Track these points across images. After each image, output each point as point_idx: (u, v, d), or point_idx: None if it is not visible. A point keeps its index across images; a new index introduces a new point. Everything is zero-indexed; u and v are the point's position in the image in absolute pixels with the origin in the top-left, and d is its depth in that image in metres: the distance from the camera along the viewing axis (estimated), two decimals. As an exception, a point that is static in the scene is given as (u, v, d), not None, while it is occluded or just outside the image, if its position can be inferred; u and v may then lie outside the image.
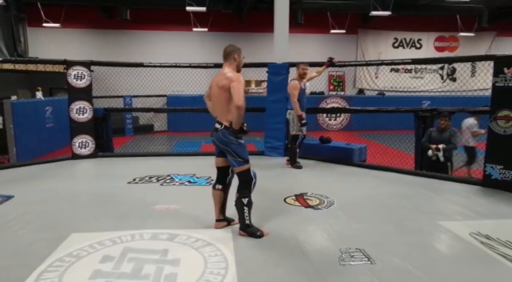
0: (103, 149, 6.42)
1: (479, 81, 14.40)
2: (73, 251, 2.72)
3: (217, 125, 3.01)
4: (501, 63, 4.25)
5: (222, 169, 3.16)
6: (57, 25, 12.42)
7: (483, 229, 3.11)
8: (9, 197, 4.01)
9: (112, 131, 7.03)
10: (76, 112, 6.07)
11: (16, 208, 3.68)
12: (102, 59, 7.88)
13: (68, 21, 12.80)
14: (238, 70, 3.07)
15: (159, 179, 4.83)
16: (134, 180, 4.78)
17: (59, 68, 8.70)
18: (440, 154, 5.12)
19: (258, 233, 3.00)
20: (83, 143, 6.11)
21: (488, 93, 4.49)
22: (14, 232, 3.12)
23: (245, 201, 2.99)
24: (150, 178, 4.88)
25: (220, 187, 3.16)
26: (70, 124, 6.11)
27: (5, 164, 6.79)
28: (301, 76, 5.51)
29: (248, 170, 3.01)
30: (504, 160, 4.28)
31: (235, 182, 3.14)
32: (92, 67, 6.38)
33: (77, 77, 6.06)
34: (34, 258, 2.61)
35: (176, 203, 3.83)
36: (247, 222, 3.01)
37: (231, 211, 3.22)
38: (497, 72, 4.28)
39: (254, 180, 3.03)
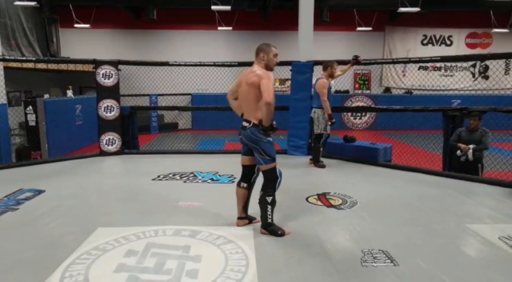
0: (129, 146, 6.58)
1: (512, 79, 13.77)
2: (100, 244, 2.81)
3: (245, 124, 3.00)
4: (537, 60, 4.06)
5: (248, 167, 3.15)
6: (87, 25, 12.82)
7: (515, 234, 2.98)
8: (40, 191, 4.18)
9: (138, 129, 7.20)
10: (104, 110, 6.25)
11: (47, 202, 3.83)
12: (129, 58, 8.07)
13: (98, 22, 13.18)
14: (269, 69, 3.03)
15: (183, 176, 4.91)
16: (158, 176, 4.88)
17: (89, 67, 9.00)
18: (470, 153, 4.94)
19: (280, 232, 2.99)
20: (110, 140, 6.28)
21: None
22: (45, 225, 3.25)
23: (269, 199, 2.97)
24: (174, 175, 4.96)
25: (245, 185, 3.16)
26: (98, 122, 6.29)
27: (38, 159, 7.08)
28: (331, 76, 5.47)
29: (275, 168, 2.99)
30: (539, 162, 4.08)
31: (259, 180, 3.14)
32: (120, 66, 6.55)
33: (105, 76, 6.23)
34: (63, 251, 2.72)
35: (199, 200, 3.88)
36: (269, 220, 3.00)
37: (252, 209, 3.22)
38: (533, 69, 4.08)
39: (279, 179, 3.02)
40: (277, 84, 14.22)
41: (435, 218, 3.43)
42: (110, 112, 6.28)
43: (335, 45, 13.83)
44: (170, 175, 4.95)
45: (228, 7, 11.19)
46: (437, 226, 3.23)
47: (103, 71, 6.22)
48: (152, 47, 13.90)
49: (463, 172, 4.99)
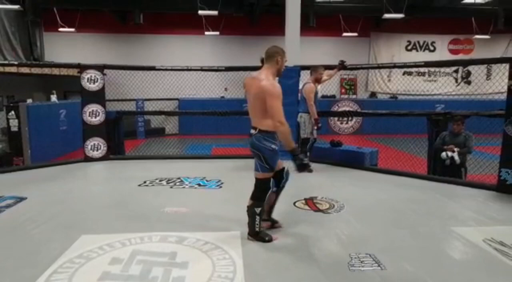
0: (114, 152, 6.49)
1: (494, 84, 14.11)
2: (84, 252, 2.75)
3: (252, 131, 2.93)
4: (516, 66, 4.16)
5: (276, 172, 3.03)
6: (72, 29, 12.66)
7: (497, 235, 3.03)
8: (22, 199, 4.07)
9: (124, 134, 7.12)
10: (89, 115, 6.15)
11: (29, 210, 3.73)
12: (115, 63, 7.99)
13: (83, 26, 13.04)
14: (279, 75, 2.96)
15: (169, 181, 4.86)
16: (145, 182, 4.81)
17: (73, 72, 8.84)
18: (456, 155, 5.02)
19: (267, 238, 2.97)
20: (95, 146, 6.18)
21: (504, 96, 4.39)
22: (26, 233, 3.17)
23: (257, 210, 2.92)
24: (160, 180, 4.90)
25: (274, 189, 3.06)
26: (83, 127, 6.19)
27: (20, 166, 6.92)
28: (318, 81, 5.51)
29: (269, 179, 2.94)
30: (520, 165, 4.17)
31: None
32: (105, 71, 6.47)
33: (90, 81, 6.15)
34: (45, 259, 2.65)
35: (186, 206, 3.84)
36: (257, 229, 2.96)
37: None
38: (513, 75, 4.19)
39: (270, 190, 2.98)
40: (264, 89, 14.26)
41: (421, 221, 3.47)
42: (95, 117, 6.19)
43: (322, 50, 13.96)
44: (157, 181, 4.89)
45: (215, 12, 11.20)
46: (423, 229, 3.26)
47: (88, 75, 6.14)
48: (139, 51, 13.80)
49: (447, 175, 5.07)
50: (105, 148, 6.25)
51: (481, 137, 5.87)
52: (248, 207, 2.98)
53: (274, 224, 3.22)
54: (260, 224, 2.97)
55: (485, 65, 14.64)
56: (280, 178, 3.08)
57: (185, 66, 6.86)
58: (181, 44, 14.12)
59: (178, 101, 13.46)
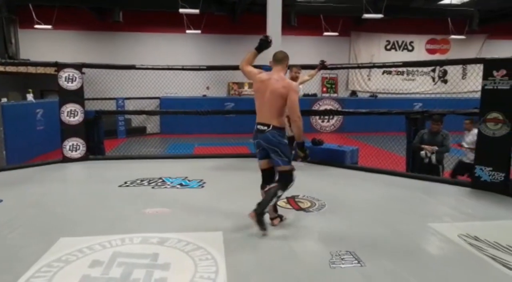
0: (94, 152, 6.37)
1: (469, 83, 14.56)
2: (62, 256, 2.69)
3: (263, 127, 3.11)
4: (490, 66, 4.31)
5: (267, 171, 3.26)
6: (49, 27, 12.32)
7: (472, 231, 3.14)
8: (-3, 201, 3.96)
9: (104, 134, 6.99)
10: (67, 115, 6.02)
11: (5, 212, 3.63)
12: (94, 61, 7.85)
13: (60, 23, 12.70)
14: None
15: (151, 182, 4.81)
16: (125, 183, 4.75)
17: (50, 70, 8.64)
18: (433, 156, 5.16)
19: (264, 227, 3.07)
20: (74, 146, 6.06)
21: (479, 95, 4.53)
22: (2, 236, 3.08)
23: (279, 192, 3.11)
24: (142, 181, 4.85)
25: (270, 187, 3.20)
26: (61, 127, 6.05)
27: (-5, 167, 6.71)
28: (293, 80, 5.52)
29: (292, 171, 3.15)
30: (493, 162, 4.33)
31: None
32: (84, 70, 6.34)
33: (68, 80, 6.01)
34: (22, 264, 2.58)
35: (167, 206, 3.82)
36: (266, 210, 3.08)
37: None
38: (487, 75, 4.33)
39: (293, 182, 3.18)
40: (246, 87, 14.28)
41: (400, 218, 3.55)
42: (74, 117, 6.06)
43: (303, 50, 14.05)
44: (138, 181, 4.83)
45: (196, 11, 11.11)
46: (401, 226, 3.34)
47: (66, 74, 6.00)
48: (118, 49, 13.55)
49: (425, 172, 5.20)
50: (84, 148, 6.13)
51: (457, 135, 6.05)
52: (270, 187, 3.11)
53: (282, 218, 3.40)
54: (268, 207, 3.09)
55: (461, 65, 15.11)
56: (272, 175, 3.28)
57: (166, 65, 6.79)
58: (162, 42, 13.95)
59: (159, 100, 13.30)
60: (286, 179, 3.14)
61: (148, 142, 10.33)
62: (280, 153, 3.10)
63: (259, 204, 3.08)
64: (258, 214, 3.03)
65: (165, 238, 3.00)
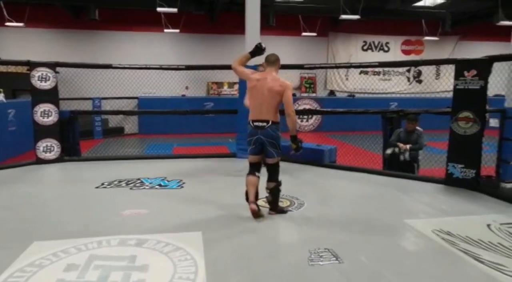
0: (69, 153, 6.21)
1: (442, 83, 15.04)
2: (36, 260, 2.62)
3: (262, 123, 3.41)
4: (461, 66, 4.45)
5: (256, 164, 3.60)
6: (21, 24, 11.93)
7: (445, 226, 3.24)
8: (-34, 205, 3.81)
9: (80, 135, 6.83)
10: (41, 115, 5.85)
11: (-26, 217, 3.50)
12: (69, 60, 7.63)
13: (33, 21, 12.32)
14: None
15: (129, 183, 4.73)
16: (102, 184, 4.66)
17: (22, 69, 8.38)
18: (407, 154, 5.30)
19: (286, 210, 3.64)
20: (48, 147, 5.89)
21: (451, 95, 4.68)
22: (-29, 242, 2.97)
23: (280, 187, 3.55)
24: (119, 182, 4.76)
25: (259, 174, 3.56)
26: (34, 127, 5.87)
27: (-36, 169, 6.44)
28: None
29: (279, 160, 3.54)
30: (464, 159, 4.48)
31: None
32: (59, 69, 6.17)
33: (42, 79, 5.84)
34: (-7, 269, 2.50)
35: (146, 207, 3.77)
36: (280, 204, 3.64)
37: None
38: (458, 75, 4.48)
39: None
40: (225, 87, 14.25)
41: (376, 215, 3.63)
42: (48, 117, 5.89)
43: (282, 50, 13.98)
44: (115, 182, 4.75)
45: (174, 10, 11.00)
46: (378, 222, 3.42)
47: (39, 73, 5.83)
48: (95, 48, 13.25)
49: (401, 170, 5.34)
50: (59, 149, 5.97)
51: (430, 133, 6.23)
52: (270, 189, 3.50)
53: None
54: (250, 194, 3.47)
55: (434, 66, 15.58)
56: (260, 166, 3.62)
57: (144, 64, 6.70)
58: (140, 41, 13.74)
59: (137, 100, 13.09)
60: (277, 169, 3.55)
61: (126, 142, 10.15)
62: (277, 146, 3.45)
63: (271, 203, 3.57)
64: (276, 210, 3.55)
65: (143, 239, 2.96)
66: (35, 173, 5.45)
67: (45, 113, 5.87)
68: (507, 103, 6.62)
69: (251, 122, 3.46)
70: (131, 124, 13.13)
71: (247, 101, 3.73)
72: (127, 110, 11.85)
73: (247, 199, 3.50)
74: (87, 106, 12.06)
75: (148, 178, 4.92)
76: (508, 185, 6.44)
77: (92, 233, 3.09)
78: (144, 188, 4.52)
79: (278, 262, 2.66)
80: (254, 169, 3.56)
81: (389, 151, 5.39)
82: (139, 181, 4.80)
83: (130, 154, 8.38)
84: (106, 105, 12.31)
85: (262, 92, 3.41)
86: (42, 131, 5.87)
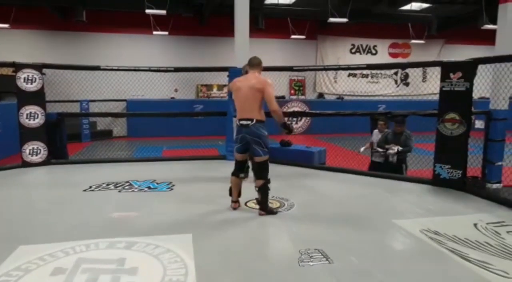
0: (56, 156, 6.13)
1: (429, 86, 15.29)
2: (22, 264, 2.57)
3: (246, 122, 3.49)
4: (447, 69, 4.53)
5: (242, 162, 3.72)
6: (6, 25, 11.74)
7: (433, 226, 3.28)
8: (-51, 209, 3.72)
9: (67, 137, 6.74)
10: (27, 118, 5.76)
11: (-42, 221, 3.42)
12: (56, 62, 7.54)
13: (19, 22, 12.13)
14: None
15: (117, 185, 4.68)
16: (90, 187, 4.60)
17: (8, 71, 8.24)
18: (394, 157, 5.37)
19: (275, 211, 3.65)
20: (35, 150, 5.80)
21: (438, 97, 4.75)
22: (-45, 246, 2.90)
23: (269, 186, 3.57)
24: (108, 184, 4.71)
25: (242, 175, 3.73)
26: (20, 130, 5.78)
27: None
28: None
29: (268, 160, 3.58)
30: (451, 160, 4.55)
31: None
32: (46, 70, 6.09)
33: (28, 81, 5.76)
34: (-22, 274, 2.44)
35: (135, 210, 3.73)
36: (269, 203, 3.65)
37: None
38: (444, 77, 4.56)
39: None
40: (215, 89, 14.23)
41: (365, 215, 3.66)
42: (34, 120, 5.80)
43: (271, 52, 14.17)
44: (104, 185, 4.70)
45: (163, 12, 10.96)
46: (367, 222, 3.45)
47: (25, 75, 5.74)
48: (82, 50, 13.11)
49: (389, 171, 5.39)
50: (46, 152, 5.88)
51: (418, 135, 6.31)
52: (259, 187, 3.55)
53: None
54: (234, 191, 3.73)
55: (421, 69, 15.84)
56: (244, 165, 3.77)
57: (133, 66, 6.66)
58: (128, 43, 13.64)
59: (126, 102, 12.98)
60: (265, 167, 3.57)
61: (114, 145, 10.06)
62: (262, 144, 3.49)
63: (260, 203, 3.59)
64: (266, 210, 3.57)
65: (132, 242, 2.93)
66: (21, 176, 5.35)
67: (31, 116, 5.79)
68: (492, 105, 6.74)
69: (237, 121, 3.59)
70: (119, 127, 13.00)
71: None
72: (115, 112, 11.76)
73: (230, 194, 3.78)
74: (74, 108, 11.91)
75: (137, 181, 4.87)
76: (494, 186, 6.58)
77: (80, 236, 3.05)
78: (133, 191, 4.48)
79: (268, 263, 2.67)
80: (238, 168, 3.70)
81: (390, 152, 5.39)
82: (128, 184, 4.75)
83: (119, 156, 8.31)
84: (94, 108, 12.16)
85: (244, 92, 3.52)
86: (28, 134, 5.78)
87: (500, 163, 6.52)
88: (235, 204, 3.78)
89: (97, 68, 6.37)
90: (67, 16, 12.78)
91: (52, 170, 5.69)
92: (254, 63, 3.70)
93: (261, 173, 3.58)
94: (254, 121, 3.47)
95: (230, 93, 6.50)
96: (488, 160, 6.34)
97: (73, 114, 10.12)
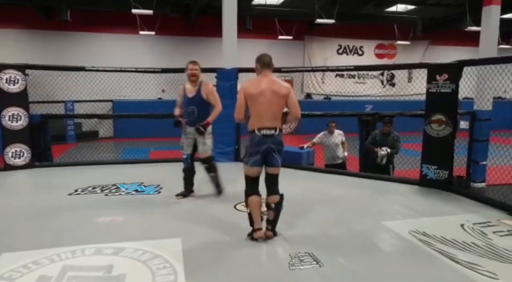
0: (40, 159, 5.99)
1: (414, 86, 15.52)
2: (4, 273, 2.49)
3: (270, 132, 3.04)
4: (433, 70, 4.58)
5: (256, 179, 3.16)
6: (-12, 24, 11.47)
7: (421, 227, 3.31)
8: None
9: (51, 139, 6.60)
10: (9, 119, 5.61)
11: None
12: (40, 62, 7.39)
13: (2, 21, 11.86)
14: None
15: (104, 189, 4.60)
16: (76, 191, 4.50)
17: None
18: (384, 159, 5.44)
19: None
20: (17, 152, 5.65)
21: (424, 97, 4.81)
22: None
23: (283, 202, 3.16)
24: (94, 188, 4.62)
25: (259, 193, 3.14)
26: (2, 132, 5.63)
27: None
28: (189, 79, 4.24)
29: None
30: (438, 161, 4.60)
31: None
32: (29, 71, 5.95)
33: (10, 82, 5.61)
34: (-42, 284, 2.36)
35: (122, 214, 3.66)
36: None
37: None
38: (430, 79, 4.61)
39: None
40: (202, 90, 14.14)
41: (355, 217, 3.67)
42: (17, 122, 5.66)
43: (258, 53, 14.07)
44: (90, 188, 4.60)
45: (150, 11, 10.85)
46: (357, 225, 3.46)
47: (7, 76, 5.59)
48: (67, 50, 12.89)
49: (377, 172, 5.44)
50: (29, 155, 5.74)
51: (405, 135, 6.38)
52: (276, 203, 3.10)
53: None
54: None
55: (407, 69, 16.07)
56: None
57: (119, 67, 6.55)
58: (114, 43, 13.47)
59: (112, 103, 12.80)
60: (277, 179, 3.19)
61: (100, 147, 9.88)
62: (281, 154, 3.13)
63: (273, 222, 3.12)
64: (275, 232, 3.14)
65: (120, 248, 2.87)
66: (3, 179, 5.21)
67: (14, 118, 5.64)
68: (476, 106, 6.87)
69: (257, 131, 3.03)
70: (106, 128, 12.83)
71: (240, 114, 3.17)
72: (102, 114, 11.59)
73: (251, 223, 3.11)
74: (59, 109, 11.70)
75: (124, 184, 4.79)
76: (479, 185, 6.71)
77: (65, 242, 2.98)
78: (120, 194, 4.41)
79: (258, 267, 2.65)
80: (255, 185, 3.13)
81: (382, 154, 5.47)
82: (114, 187, 4.67)
83: (105, 158, 8.18)
84: (79, 109, 11.97)
85: (268, 98, 3.02)
86: (11, 136, 5.64)
87: (484, 163, 6.68)
88: (267, 232, 3.09)
89: (82, 69, 6.24)
90: (51, 15, 12.56)
91: (36, 173, 5.55)
92: (268, 62, 3.14)
93: (277, 187, 3.15)
94: (278, 130, 3.06)
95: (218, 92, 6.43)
96: (472, 160, 6.47)
97: (57, 116, 9.95)
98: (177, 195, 4.27)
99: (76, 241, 3.00)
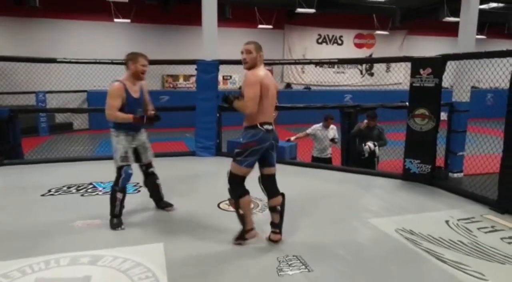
0: (9, 156, 5.66)
1: (391, 76, 15.68)
2: (-29, 288, 2.31)
3: (271, 126, 2.91)
4: (417, 64, 4.56)
5: (246, 177, 3.01)
6: None
7: (407, 224, 3.30)
8: None
9: (22, 133, 6.26)
10: (-26, 115, 5.26)
11: None
12: (7, 51, 6.95)
13: (-38, 6, 11.14)
14: None
15: (79, 188, 4.38)
16: (50, 191, 4.27)
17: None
18: (377, 149, 5.47)
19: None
20: (-15, 150, 5.32)
21: (401, 87, 4.79)
22: None
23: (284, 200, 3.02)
24: (69, 187, 4.40)
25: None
26: (-33, 128, 5.28)
27: None
28: (137, 76, 3.73)
29: None
30: (421, 155, 4.61)
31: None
32: (-5, 61, 5.59)
33: (-26, 74, 5.24)
34: None
35: (100, 217, 3.47)
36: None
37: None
38: (414, 73, 4.58)
39: None
40: (181, 80, 13.85)
41: (341, 215, 3.62)
42: (-17, 117, 5.31)
43: (238, 42, 13.78)
44: (64, 188, 4.37)
45: (124, -2, 10.41)
46: (343, 223, 3.41)
47: (-30, 68, 5.22)
48: (37, 38, 12.25)
49: (361, 165, 5.44)
50: (-3, 152, 5.42)
51: (386, 125, 6.38)
52: (281, 205, 2.99)
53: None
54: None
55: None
56: None
57: (93, 58, 6.24)
58: (87, 31, 12.90)
59: (86, 93, 12.32)
60: (276, 181, 3.07)
61: (75, 139, 9.51)
62: (277, 149, 3.03)
63: (277, 225, 2.98)
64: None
65: (98, 256, 2.71)
66: (-31, 179, 4.90)
67: (-20, 113, 5.29)
68: (454, 97, 6.95)
69: (260, 126, 2.81)
70: (80, 120, 12.34)
71: (256, 106, 2.79)
72: (75, 108, 11.12)
73: (243, 224, 2.94)
74: (30, 100, 11.16)
75: (101, 182, 4.58)
76: (456, 175, 6.83)
77: (38, 251, 2.79)
78: (97, 194, 4.21)
79: (246, 273, 2.55)
80: (243, 184, 2.96)
81: (367, 149, 5.47)
82: (91, 186, 4.46)
83: (80, 154, 7.87)
84: (52, 100, 11.46)
85: (272, 92, 2.89)
86: (-23, 133, 5.29)
87: (461, 153, 6.80)
88: (254, 232, 2.97)
89: (53, 60, 5.90)
90: (20, 1, 11.86)
91: (5, 172, 5.23)
92: (260, 49, 2.90)
93: (277, 187, 3.02)
94: (273, 126, 2.92)
95: (198, 82, 6.23)
96: (450, 150, 6.57)
97: (27, 110, 9.45)
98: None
99: (50, 249, 2.81)
